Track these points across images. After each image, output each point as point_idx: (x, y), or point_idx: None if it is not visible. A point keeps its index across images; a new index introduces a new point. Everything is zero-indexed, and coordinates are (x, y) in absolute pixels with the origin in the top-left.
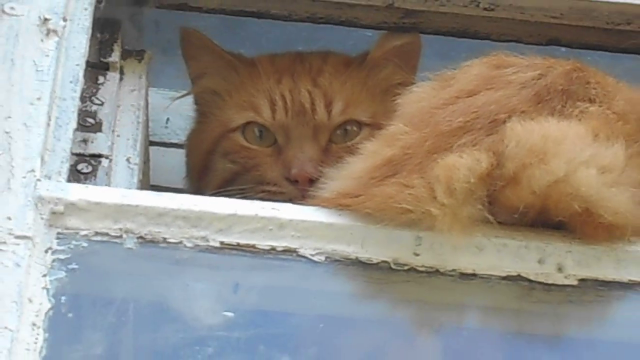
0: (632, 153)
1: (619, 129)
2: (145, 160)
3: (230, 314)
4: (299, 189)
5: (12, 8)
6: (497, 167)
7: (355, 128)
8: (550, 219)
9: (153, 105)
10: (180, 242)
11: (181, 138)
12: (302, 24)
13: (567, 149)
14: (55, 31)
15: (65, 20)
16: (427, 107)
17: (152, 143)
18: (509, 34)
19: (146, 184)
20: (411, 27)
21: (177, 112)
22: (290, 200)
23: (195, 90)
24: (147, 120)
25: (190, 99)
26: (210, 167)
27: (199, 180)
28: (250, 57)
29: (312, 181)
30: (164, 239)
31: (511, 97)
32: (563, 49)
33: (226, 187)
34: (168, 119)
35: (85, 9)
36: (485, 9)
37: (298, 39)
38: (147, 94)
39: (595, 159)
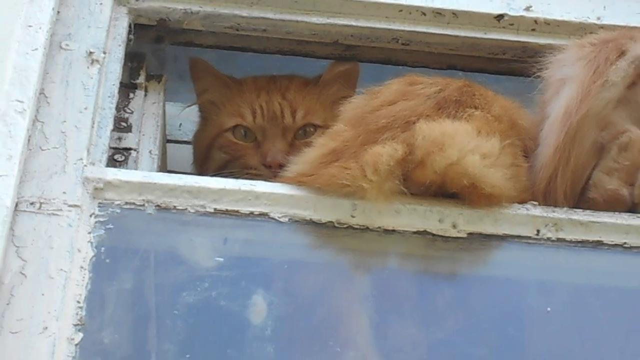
0: (505, 144)
1: (495, 127)
2: (163, 153)
3: (221, 259)
4: (272, 172)
5: (67, 44)
6: (409, 154)
7: (312, 129)
8: (447, 191)
9: (170, 114)
10: (186, 209)
11: (190, 137)
12: (275, 56)
13: (459, 141)
14: (97, 61)
15: (104, 53)
16: (360, 112)
17: (169, 141)
18: (420, 61)
19: (164, 169)
20: (351, 57)
21: (187, 119)
22: (266, 179)
23: (200, 102)
24: (164, 125)
25: (196, 109)
26: (210, 157)
27: (202, 167)
28: (238, 78)
29: (281, 166)
30: (174, 206)
31: (420, 105)
32: (460, 72)
33: (221, 171)
34: (181, 124)
35: (119, 45)
36: (403, 44)
37: (273, 67)
38: (164, 106)
39: (478, 148)
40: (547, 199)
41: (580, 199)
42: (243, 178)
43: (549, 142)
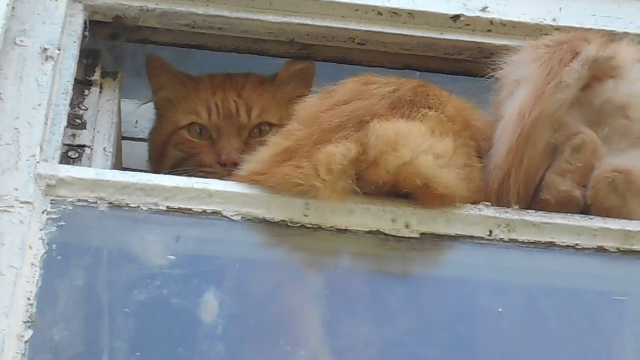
0: (458, 145)
1: (449, 128)
2: (118, 150)
3: (173, 257)
4: (227, 170)
5: (21, 41)
6: (363, 154)
7: (267, 128)
8: (400, 191)
9: (127, 112)
10: (139, 207)
11: (147, 135)
12: (233, 54)
13: (412, 141)
14: (52, 57)
15: (59, 49)
16: (314, 112)
17: (126, 138)
18: (376, 61)
19: (119, 167)
20: (307, 56)
21: (144, 116)
22: (221, 178)
23: (156, 99)
24: (119, 122)
25: (153, 106)
26: (165, 155)
27: (157, 164)
28: (195, 76)
29: (236, 165)
30: (127, 204)
31: (374, 105)
32: (416, 72)
33: (176, 169)
34: (137, 121)
35: (75, 42)
36: (359, 44)
37: (231, 64)
38: (119, 103)
39: (432, 148)
40: (501, 200)
41: (534, 200)
42: (198, 176)
43: (502, 143)
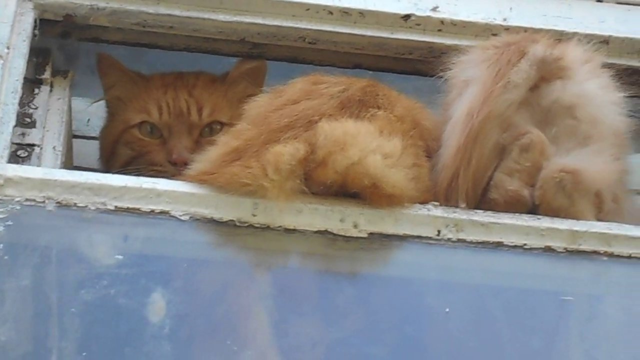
0: (406, 145)
1: (398, 127)
2: (69, 149)
3: (120, 257)
4: (178, 169)
5: None
6: (311, 154)
7: (218, 127)
8: (348, 191)
9: (79, 109)
10: (86, 206)
11: (98, 133)
12: (185, 52)
13: (361, 141)
14: (1, 56)
15: (8, 48)
16: (263, 111)
17: (77, 136)
18: (327, 60)
19: (70, 165)
20: (258, 55)
21: (96, 114)
22: (171, 176)
23: (107, 97)
24: (70, 120)
25: (104, 104)
26: (116, 153)
27: (108, 162)
28: (146, 75)
29: (187, 163)
30: (75, 203)
31: (323, 104)
32: (367, 71)
33: (127, 167)
34: (89, 119)
35: (24, 41)
36: (309, 42)
37: (182, 63)
38: (70, 101)
39: (380, 148)
40: (449, 199)
41: (482, 200)
42: (149, 175)
43: (450, 142)
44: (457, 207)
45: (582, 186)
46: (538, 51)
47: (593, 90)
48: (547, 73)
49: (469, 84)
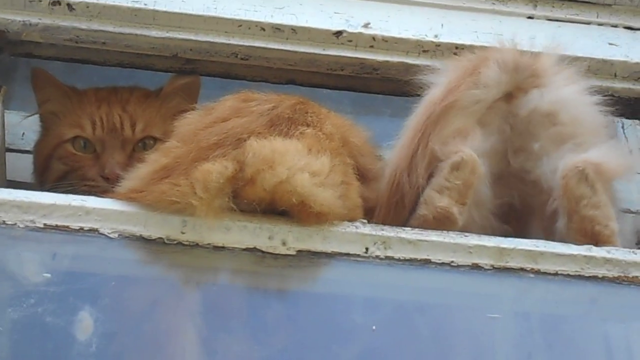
0: (335, 162)
1: (326, 145)
2: (2, 163)
3: (49, 275)
4: (110, 184)
5: None
6: (240, 172)
7: (152, 142)
8: (277, 208)
9: (13, 123)
10: (15, 224)
11: (33, 147)
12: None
13: (289, 159)
14: None
15: None
16: (193, 129)
17: (11, 150)
18: (259, 76)
19: (3, 179)
20: (191, 71)
21: (30, 128)
22: (104, 191)
23: (41, 112)
24: (3, 134)
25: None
26: (49, 167)
27: (42, 177)
28: (80, 89)
29: (119, 179)
30: (4, 221)
31: (252, 122)
32: (303, 87)
33: (60, 182)
34: (24, 133)
35: None
36: (242, 59)
37: (118, 78)
38: (3, 115)
39: (308, 166)
40: (411, 176)
41: (411, 217)
42: (82, 189)
43: (409, 124)
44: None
45: (604, 177)
46: (507, 56)
47: (570, 94)
48: (523, 82)
49: (436, 84)
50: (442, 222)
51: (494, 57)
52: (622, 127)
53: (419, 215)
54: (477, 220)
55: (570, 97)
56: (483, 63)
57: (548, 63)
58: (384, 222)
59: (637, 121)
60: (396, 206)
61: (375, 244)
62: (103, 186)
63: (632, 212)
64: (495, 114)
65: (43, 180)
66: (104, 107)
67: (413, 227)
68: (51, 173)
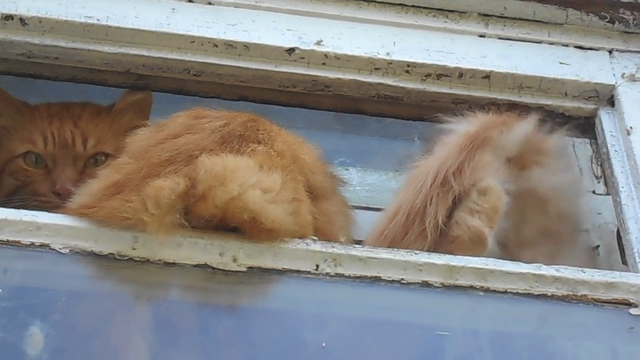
0: (286, 179)
1: (278, 162)
2: None
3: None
4: (61, 200)
5: None
6: (191, 188)
7: (103, 158)
8: (228, 225)
9: None
10: None
11: None
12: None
13: (240, 176)
14: None
15: None
16: (144, 145)
17: None
18: (212, 92)
19: None
20: (144, 86)
21: None
22: (55, 207)
23: None
24: None
25: None
26: (1, 183)
27: None
28: (33, 105)
29: (71, 194)
30: None
31: (204, 139)
32: (255, 104)
33: (12, 197)
34: None
35: None
36: (194, 75)
37: (72, 92)
38: None
39: (259, 183)
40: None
41: (441, 241)
42: (33, 205)
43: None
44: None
45: None
46: (527, 126)
47: (565, 183)
48: (527, 154)
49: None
50: (475, 242)
51: (517, 123)
52: (573, 145)
53: (452, 237)
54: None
55: (564, 188)
56: (507, 123)
57: (555, 143)
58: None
59: (587, 140)
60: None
61: (325, 261)
62: (54, 202)
63: (584, 230)
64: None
65: None
66: (56, 123)
67: (445, 251)
68: (3, 188)
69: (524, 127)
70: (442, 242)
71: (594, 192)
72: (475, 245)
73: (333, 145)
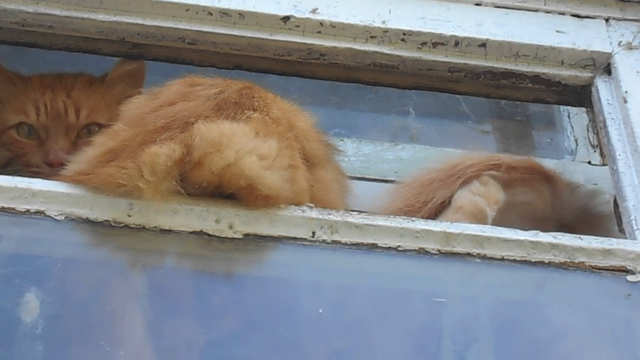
0: (282, 146)
1: (273, 129)
2: None
3: None
4: (54, 170)
5: None
6: (187, 155)
7: (96, 128)
8: (224, 192)
9: None
10: None
11: None
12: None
13: (236, 142)
14: None
15: None
16: (140, 112)
17: None
18: (207, 61)
19: None
20: (138, 55)
21: None
22: (48, 178)
23: None
24: None
25: None
26: None
27: None
28: (26, 75)
29: (63, 165)
30: None
31: (199, 106)
32: (250, 72)
33: (5, 168)
34: None
35: None
36: (189, 43)
37: (65, 62)
38: None
39: (256, 149)
40: None
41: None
42: (26, 176)
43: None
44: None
45: None
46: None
47: None
48: None
49: None
50: (477, 216)
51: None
52: (568, 116)
53: (457, 207)
54: None
55: None
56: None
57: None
58: None
59: (583, 109)
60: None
61: (322, 228)
62: (47, 172)
63: None
64: None
65: None
66: (49, 94)
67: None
68: None
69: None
70: (445, 212)
71: (589, 162)
72: (476, 219)
73: (328, 117)
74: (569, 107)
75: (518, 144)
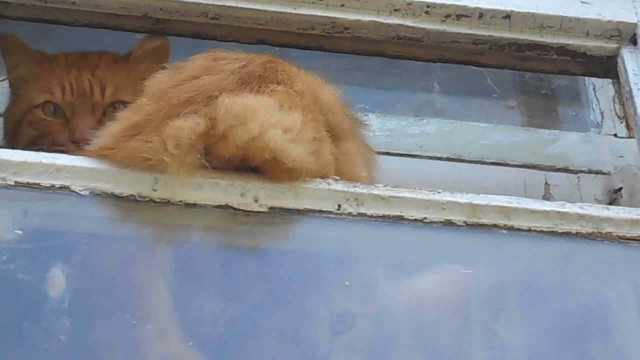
0: (306, 119)
1: (298, 102)
2: None
3: (20, 232)
4: (80, 149)
5: None
6: (211, 128)
7: (122, 106)
8: (249, 165)
9: None
10: None
11: (3, 111)
12: (91, 29)
13: (261, 115)
14: None
15: None
16: (164, 87)
17: None
18: (230, 36)
19: None
20: (161, 31)
21: (2, 92)
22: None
23: (11, 77)
24: None
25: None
26: (20, 133)
27: (12, 142)
28: (50, 54)
29: (89, 144)
30: None
31: (223, 80)
32: (274, 47)
33: (30, 147)
34: None
35: None
36: (212, 18)
37: (89, 40)
38: None
39: (280, 122)
40: None
41: None
42: None
43: None
44: None
45: None
46: None
47: None
48: None
49: None
50: None
51: None
52: (594, 89)
53: None
54: None
55: None
56: None
57: None
58: None
59: (608, 81)
60: None
61: (347, 200)
62: (73, 151)
63: (603, 174)
64: None
65: (13, 145)
66: (74, 72)
67: None
68: (22, 139)
69: None
70: None
71: (615, 135)
72: None
73: (352, 92)
74: (594, 80)
75: (543, 118)
